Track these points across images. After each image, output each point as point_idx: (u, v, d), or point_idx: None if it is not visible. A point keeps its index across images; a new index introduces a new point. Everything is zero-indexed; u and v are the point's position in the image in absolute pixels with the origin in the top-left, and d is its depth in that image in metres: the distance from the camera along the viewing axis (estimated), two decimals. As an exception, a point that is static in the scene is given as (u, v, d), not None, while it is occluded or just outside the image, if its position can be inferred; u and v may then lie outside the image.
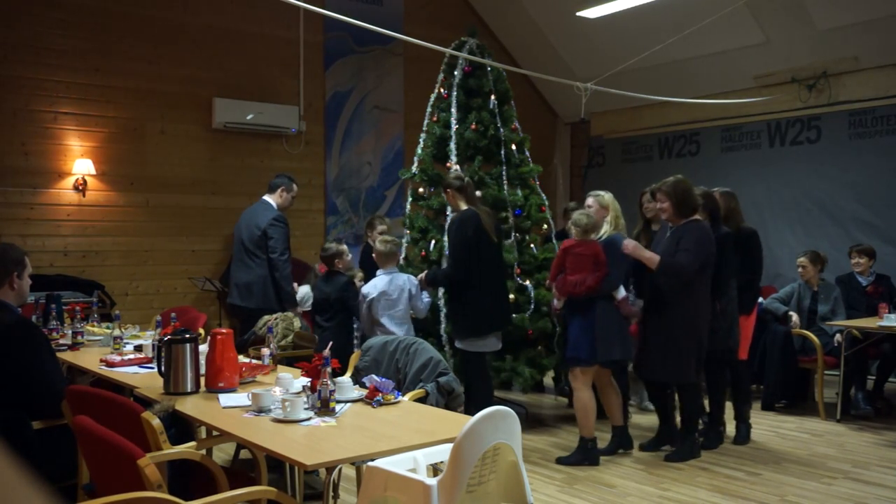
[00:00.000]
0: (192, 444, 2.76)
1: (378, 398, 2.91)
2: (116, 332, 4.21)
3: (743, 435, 5.05)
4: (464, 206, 4.72)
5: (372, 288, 4.81)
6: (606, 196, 4.75)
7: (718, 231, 4.72)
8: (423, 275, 4.91)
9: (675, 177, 4.59)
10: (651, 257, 4.44)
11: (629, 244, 4.49)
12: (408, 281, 4.84)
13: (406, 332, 4.69)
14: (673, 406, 4.88)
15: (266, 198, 5.61)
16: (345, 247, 5.17)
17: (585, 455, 4.58)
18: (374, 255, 4.98)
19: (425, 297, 4.92)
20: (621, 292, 4.54)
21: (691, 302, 4.47)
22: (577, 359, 4.51)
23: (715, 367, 4.90)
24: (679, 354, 4.49)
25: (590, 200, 4.77)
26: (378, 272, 4.90)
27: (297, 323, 4.88)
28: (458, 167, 5.53)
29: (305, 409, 2.71)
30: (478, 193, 5.49)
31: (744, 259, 4.98)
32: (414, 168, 5.76)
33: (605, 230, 4.64)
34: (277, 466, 3.77)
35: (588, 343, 4.47)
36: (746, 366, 5.21)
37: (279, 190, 5.56)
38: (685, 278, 4.40)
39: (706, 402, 5.01)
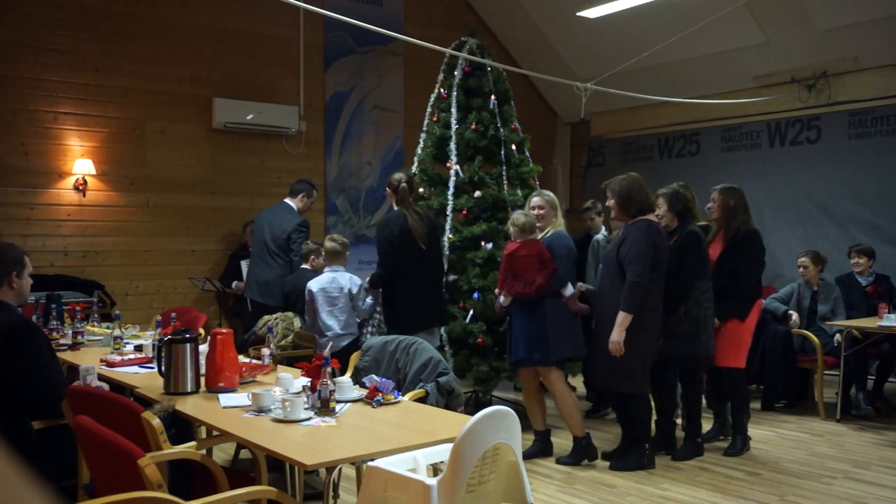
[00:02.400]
0: (193, 443, 2.76)
1: (378, 398, 2.91)
2: (116, 332, 4.21)
3: (737, 447, 4.78)
4: (395, 208, 4.79)
5: (315, 284, 5.03)
6: (552, 195, 4.78)
7: (683, 230, 4.61)
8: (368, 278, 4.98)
9: (627, 174, 4.52)
10: (622, 322, 4.22)
11: (612, 346, 4.26)
12: (350, 281, 5.02)
13: (342, 328, 4.96)
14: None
15: (287, 200, 5.91)
16: (315, 246, 5.50)
17: (582, 452, 4.58)
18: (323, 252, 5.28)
19: (370, 299, 5.02)
20: (569, 289, 4.51)
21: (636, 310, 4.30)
22: (532, 360, 4.50)
23: (682, 374, 4.72)
24: (623, 361, 4.29)
25: (538, 200, 4.71)
26: (325, 269, 5.14)
27: (297, 323, 4.89)
28: (458, 167, 5.54)
29: (305, 409, 2.71)
30: (477, 194, 5.50)
31: (737, 262, 4.75)
32: (414, 168, 5.76)
33: (549, 229, 4.64)
34: (277, 466, 3.77)
35: (542, 343, 4.44)
36: (741, 374, 4.89)
37: (301, 195, 5.90)
38: (645, 290, 4.23)
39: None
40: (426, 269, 4.74)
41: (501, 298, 4.66)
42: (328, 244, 5.14)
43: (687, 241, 4.57)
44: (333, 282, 5.01)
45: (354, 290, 5.00)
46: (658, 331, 4.45)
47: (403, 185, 4.71)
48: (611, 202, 4.46)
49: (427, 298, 4.74)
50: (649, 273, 4.23)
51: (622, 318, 4.22)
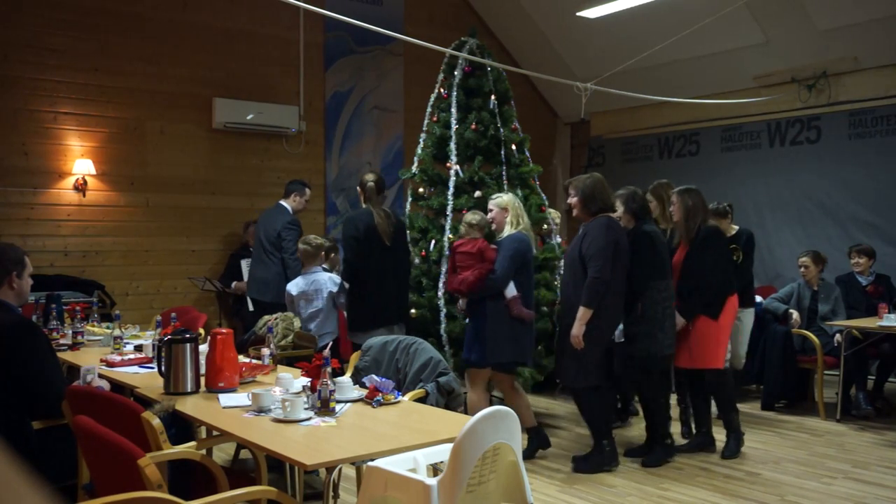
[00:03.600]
0: (193, 443, 2.76)
1: (378, 398, 2.91)
2: (116, 332, 4.21)
3: (731, 448, 4.72)
4: (363, 206, 4.92)
5: (293, 286, 5.19)
6: (505, 197, 4.75)
7: (638, 229, 4.57)
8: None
9: (591, 174, 4.59)
10: (581, 317, 4.24)
11: (573, 340, 4.28)
12: (329, 280, 5.13)
13: (318, 326, 5.07)
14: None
15: (282, 202, 6.12)
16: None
17: (532, 442, 4.63)
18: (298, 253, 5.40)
19: None
20: (511, 291, 4.47)
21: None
22: (468, 360, 4.53)
23: (641, 374, 4.63)
24: (577, 358, 4.31)
25: (490, 205, 4.77)
26: (301, 271, 5.26)
27: (296, 323, 4.90)
28: (458, 167, 5.54)
29: (305, 409, 2.71)
30: (477, 194, 5.50)
31: (698, 261, 4.67)
32: (414, 168, 5.76)
33: (507, 230, 4.65)
34: (277, 466, 3.77)
35: (479, 345, 4.44)
36: (724, 374, 4.77)
37: (293, 195, 6.08)
38: (605, 287, 4.24)
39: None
40: (389, 267, 4.84)
41: (460, 301, 4.80)
42: (301, 246, 5.26)
43: (639, 240, 4.51)
44: (313, 283, 5.14)
45: (335, 289, 5.07)
46: (615, 326, 4.41)
47: (370, 184, 4.85)
48: (573, 200, 4.50)
49: (389, 295, 4.83)
50: (610, 269, 4.24)
51: (582, 313, 4.25)
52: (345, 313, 5.07)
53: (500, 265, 4.46)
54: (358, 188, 5.01)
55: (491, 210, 4.71)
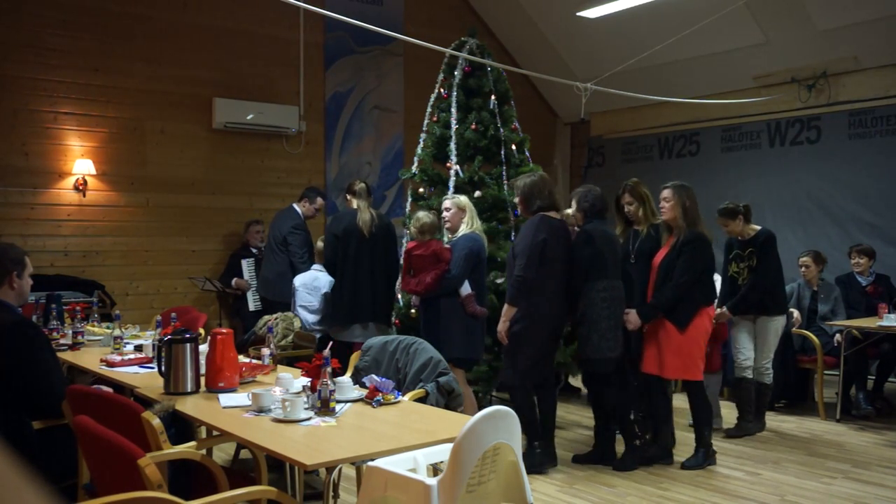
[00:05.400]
0: (193, 443, 2.76)
1: (378, 398, 2.91)
2: (117, 332, 4.21)
3: (695, 460, 4.48)
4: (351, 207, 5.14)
5: (299, 279, 5.49)
6: (462, 198, 4.85)
7: (582, 228, 4.49)
8: None
9: (533, 173, 4.62)
10: (505, 313, 4.30)
11: (498, 336, 4.35)
12: (329, 283, 5.26)
13: (312, 323, 5.28)
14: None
15: (294, 205, 6.41)
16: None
17: None
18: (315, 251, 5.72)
19: None
20: (465, 289, 4.58)
21: (524, 303, 4.29)
22: None
23: (589, 380, 4.58)
24: (511, 358, 4.31)
25: (446, 202, 4.86)
26: (313, 267, 5.55)
27: (297, 323, 4.92)
28: (458, 167, 5.54)
29: (305, 409, 2.71)
30: (477, 194, 5.50)
31: (677, 266, 4.40)
32: (414, 168, 5.77)
33: (465, 231, 4.73)
34: (277, 466, 3.77)
35: (432, 341, 4.45)
36: (696, 386, 4.48)
37: (303, 200, 6.41)
38: (529, 284, 4.24)
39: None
40: (367, 267, 4.94)
41: (413, 299, 4.93)
42: (318, 245, 5.62)
43: (579, 238, 4.45)
44: (316, 280, 5.39)
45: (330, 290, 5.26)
46: (551, 326, 4.37)
47: (356, 187, 5.08)
48: (517, 199, 4.56)
49: (364, 294, 4.93)
50: (536, 267, 4.23)
51: (505, 310, 4.33)
52: None
53: (455, 265, 4.58)
54: (347, 194, 5.22)
55: (448, 208, 4.80)
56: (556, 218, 4.45)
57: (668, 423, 4.68)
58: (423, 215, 4.80)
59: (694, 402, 4.56)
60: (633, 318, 4.45)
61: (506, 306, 4.33)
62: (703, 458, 4.52)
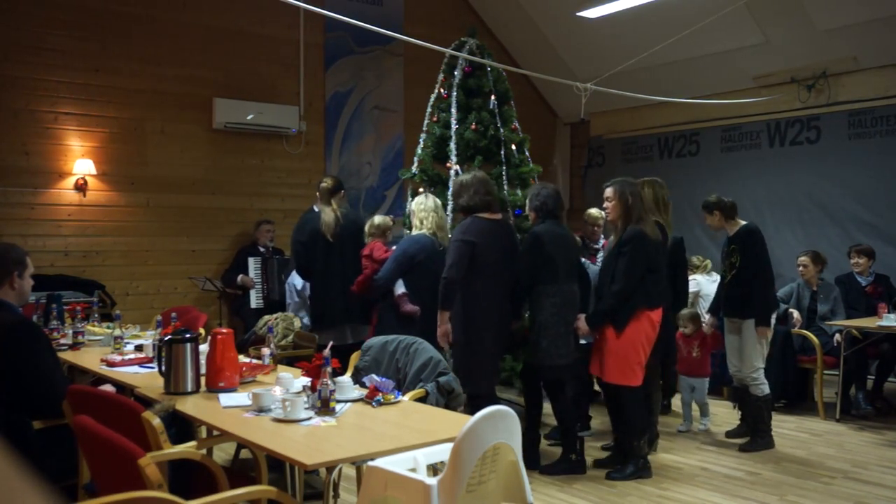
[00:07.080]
0: (193, 443, 2.76)
1: (378, 398, 2.91)
2: (117, 332, 4.21)
3: (623, 472, 4.26)
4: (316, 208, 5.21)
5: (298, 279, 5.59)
6: (417, 199, 4.85)
7: (533, 229, 4.39)
8: None
9: (470, 172, 4.56)
10: (439, 319, 4.23)
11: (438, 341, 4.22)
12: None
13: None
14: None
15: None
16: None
17: None
18: None
19: None
20: (398, 289, 4.58)
21: (459, 307, 4.22)
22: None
23: (546, 385, 4.44)
24: (464, 364, 4.16)
25: (411, 205, 4.95)
26: None
27: (297, 323, 4.92)
28: (458, 167, 5.54)
29: (305, 408, 2.71)
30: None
31: (613, 266, 4.25)
32: (414, 168, 5.77)
33: (413, 231, 4.79)
34: (277, 466, 3.77)
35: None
36: (632, 393, 4.24)
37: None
38: (451, 287, 4.16)
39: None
40: (336, 270, 4.98)
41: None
42: None
43: (528, 243, 4.35)
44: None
45: None
46: (490, 333, 4.24)
47: (322, 185, 5.16)
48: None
49: (334, 297, 4.97)
50: (464, 269, 4.13)
51: (439, 315, 4.25)
52: None
53: (384, 267, 4.60)
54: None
55: (413, 211, 4.88)
56: (492, 219, 4.30)
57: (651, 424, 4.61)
58: (376, 217, 5.01)
59: (625, 410, 4.28)
60: (581, 325, 4.33)
61: (439, 311, 4.23)
62: (634, 469, 4.27)
